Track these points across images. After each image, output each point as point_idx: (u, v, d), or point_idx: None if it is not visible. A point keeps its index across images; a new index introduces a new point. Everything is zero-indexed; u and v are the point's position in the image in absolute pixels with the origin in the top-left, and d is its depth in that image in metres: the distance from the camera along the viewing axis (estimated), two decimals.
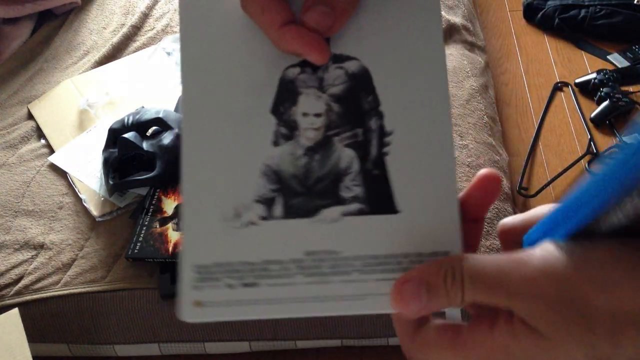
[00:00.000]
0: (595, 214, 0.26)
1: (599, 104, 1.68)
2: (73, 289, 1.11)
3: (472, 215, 0.32)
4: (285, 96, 0.32)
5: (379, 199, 0.31)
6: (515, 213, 1.31)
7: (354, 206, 0.31)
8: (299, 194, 0.31)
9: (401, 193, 0.31)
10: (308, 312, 0.30)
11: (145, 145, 1.16)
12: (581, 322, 0.26)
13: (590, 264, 0.26)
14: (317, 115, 0.32)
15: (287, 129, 0.32)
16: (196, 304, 0.31)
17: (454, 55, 1.50)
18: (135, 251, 1.08)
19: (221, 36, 0.32)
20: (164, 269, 1.08)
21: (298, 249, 0.31)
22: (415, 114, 0.32)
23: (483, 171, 0.31)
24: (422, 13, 0.33)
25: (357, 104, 0.32)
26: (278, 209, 0.31)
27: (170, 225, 1.11)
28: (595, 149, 1.59)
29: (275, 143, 0.31)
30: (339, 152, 0.32)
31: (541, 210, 0.31)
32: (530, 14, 2.00)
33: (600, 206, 0.26)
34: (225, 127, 0.31)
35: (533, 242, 0.29)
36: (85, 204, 1.22)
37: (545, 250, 0.27)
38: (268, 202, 0.31)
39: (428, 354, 0.30)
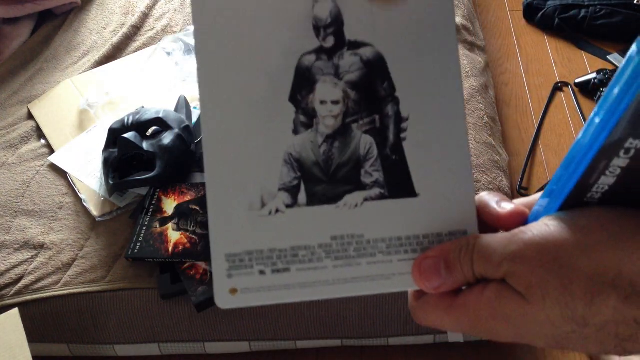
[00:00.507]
0: (583, 177, 0.28)
1: None
2: (73, 289, 1.11)
3: (492, 229, 0.34)
4: (303, 84, 0.32)
5: (398, 183, 0.33)
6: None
7: (375, 191, 0.32)
8: (322, 181, 0.32)
9: (419, 177, 0.33)
10: (338, 293, 0.32)
11: (145, 145, 1.16)
12: (559, 284, 0.27)
13: (576, 230, 0.28)
14: (335, 102, 0.33)
15: (306, 117, 0.32)
16: (231, 291, 0.32)
17: None
18: (135, 251, 1.08)
19: (235, 26, 0.32)
20: (164, 269, 1.08)
21: (324, 234, 0.32)
22: (430, 99, 0.33)
23: (516, 208, 0.32)
24: (434, 1, 0.33)
25: (374, 91, 0.33)
26: (302, 197, 0.32)
27: (170, 225, 1.11)
28: None
29: (295, 131, 0.32)
30: (358, 139, 0.33)
31: (539, 194, 0.33)
32: (530, 14, 2.00)
33: (587, 167, 0.27)
34: (246, 117, 0.32)
35: (535, 220, 0.31)
36: (85, 204, 1.22)
37: (540, 222, 0.30)
38: (292, 190, 0.32)
39: (427, 313, 0.32)
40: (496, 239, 0.30)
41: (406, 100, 0.33)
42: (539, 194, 0.33)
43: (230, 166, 0.32)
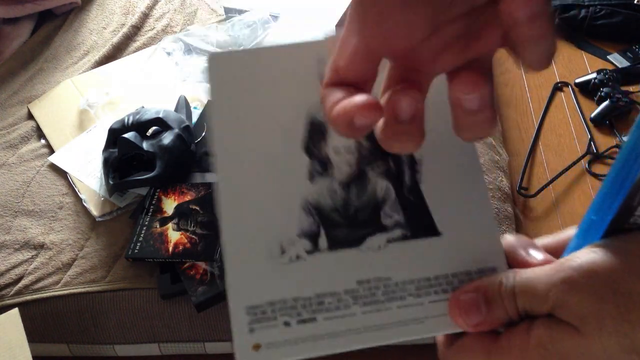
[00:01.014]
0: (626, 202, 0.27)
1: (599, 104, 1.68)
2: (73, 289, 1.11)
3: None
4: (316, 135, 0.33)
5: (419, 223, 0.32)
6: (515, 213, 1.31)
7: (397, 232, 0.32)
8: (341, 225, 0.32)
9: (440, 216, 0.32)
10: (370, 341, 0.30)
11: (145, 145, 1.16)
12: (615, 312, 0.25)
13: (627, 254, 0.26)
14: (349, 152, 0.33)
15: (321, 166, 0.33)
16: (255, 347, 0.30)
17: None
18: (135, 251, 1.08)
19: (248, 82, 0.33)
20: (164, 269, 1.08)
21: (349, 279, 0.31)
22: (440, 140, 0.33)
23: (548, 259, 0.30)
24: None
25: None
26: (323, 242, 0.31)
27: (170, 225, 1.11)
28: (595, 149, 1.59)
29: (312, 179, 0.32)
30: (374, 183, 0.33)
31: (570, 230, 0.31)
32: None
33: (628, 191, 0.26)
34: (261, 169, 0.32)
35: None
36: (85, 204, 1.22)
37: (586, 250, 0.28)
38: (312, 236, 0.31)
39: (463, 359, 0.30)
40: (538, 270, 0.28)
41: None
42: (567, 231, 0.31)
43: (247, 216, 0.31)
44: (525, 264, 0.30)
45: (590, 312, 0.26)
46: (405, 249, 0.32)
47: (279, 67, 0.34)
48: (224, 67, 0.34)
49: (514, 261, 0.31)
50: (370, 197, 0.32)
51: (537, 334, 0.27)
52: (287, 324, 0.30)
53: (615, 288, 0.26)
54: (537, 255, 0.30)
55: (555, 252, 0.31)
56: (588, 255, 0.27)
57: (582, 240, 0.29)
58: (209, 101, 0.34)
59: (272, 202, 0.32)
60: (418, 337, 0.30)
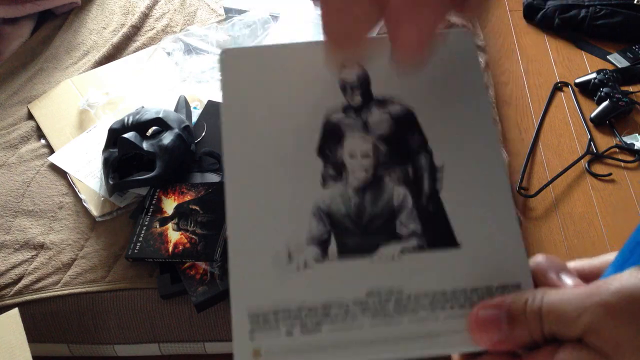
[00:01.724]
0: None
1: (599, 104, 1.68)
2: (73, 289, 1.11)
3: None
4: (331, 139, 0.32)
5: (437, 233, 0.30)
6: (515, 213, 1.30)
7: (412, 242, 0.30)
8: (353, 233, 0.31)
9: (460, 226, 0.31)
10: (376, 354, 0.29)
11: (145, 145, 1.16)
12: None
13: None
14: (365, 156, 0.32)
15: (335, 171, 0.32)
16: (254, 353, 0.28)
17: None
18: (135, 251, 1.08)
19: (262, 82, 0.32)
20: (164, 269, 1.08)
21: (359, 289, 0.29)
22: (464, 147, 0.32)
23: (580, 284, 0.29)
24: (459, 50, 0.33)
25: (404, 143, 0.32)
26: (333, 250, 0.30)
27: (170, 225, 1.11)
28: (595, 149, 1.59)
29: (324, 184, 0.31)
30: (391, 190, 0.31)
31: (608, 255, 0.30)
32: (530, 14, 2.00)
33: None
34: (271, 169, 0.31)
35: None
36: (85, 204, 1.22)
37: (626, 273, 0.26)
38: (322, 243, 0.30)
39: None
40: (569, 292, 0.26)
41: (439, 151, 0.32)
42: (604, 256, 0.30)
43: (254, 219, 0.30)
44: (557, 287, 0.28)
45: (626, 340, 0.24)
46: (421, 260, 0.30)
47: (295, 65, 0.33)
48: (237, 63, 0.33)
49: (543, 284, 0.29)
50: (385, 204, 0.31)
51: (563, 359, 0.25)
52: (289, 333, 0.29)
53: None
54: (569, 280, 0.28)
55: (589, 278, 0.29)
56: (630, 279, 0.25)
57: (622, 265, 0.27)
58: (221, 98, 0.32)
59: (282, 205, 0.30)
60: (429, 354, 0.29)
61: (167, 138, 1.17)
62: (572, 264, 0.30)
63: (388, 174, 0.32)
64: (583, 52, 1.87)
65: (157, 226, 1.11)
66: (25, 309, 1.07)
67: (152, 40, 1.57)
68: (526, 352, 0.27)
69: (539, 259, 0.30)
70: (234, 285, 0.29)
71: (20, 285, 1.12)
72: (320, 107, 0.32)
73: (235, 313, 0.29)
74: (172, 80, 1.43)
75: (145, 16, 1.65)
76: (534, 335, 0.26)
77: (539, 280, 0.29)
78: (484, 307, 0.28)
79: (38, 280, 1.13)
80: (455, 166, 0.32)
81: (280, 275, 0.29)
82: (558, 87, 1.78)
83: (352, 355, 0.28)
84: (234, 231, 0.30)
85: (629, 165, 1.56)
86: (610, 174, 1.54)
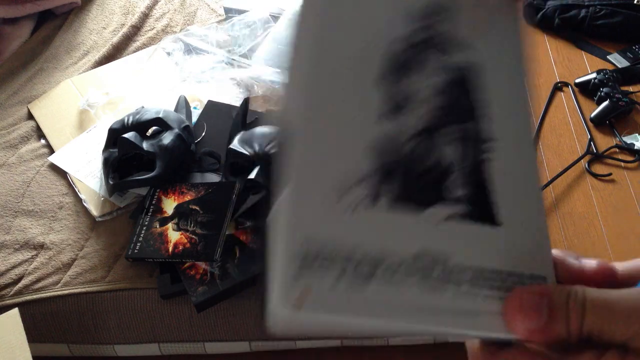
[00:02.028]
0: None
1: (599, 104, 1.68)
2: (73, 289, 1.11)
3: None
4: (393, 71, 0.29)
5: (482, 207, 0.29)
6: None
7: (459, 208, 0.28)
8: (404, 183, 0.28)
9: (502, 205, 0.29)
10: (423, 325, 0.26)
11: (145, 145, 1.16)
12: None
13: None
14: (426, 101, 0.29)
15: (395, 107, 0.29)
16: (305, 292, 0.24)
17: None
18: (135, 251, 1.08)
19: (333, 9, 0.30)
20: (164, 269, 1.08)
21: (410, 246, 0.27)
22: (517, 128, 0.31)
23: (603, 263, 0.28)
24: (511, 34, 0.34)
25: (463, 99, 0.30)
26: (383, 198, 0.27)
27: (170, 225, 1.11)
28: (595, 149, 1.59)
29: (381, 120, 0.28)
30: (441, 149, 0.29)
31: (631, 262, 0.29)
32: (530, 14, 2.00)
33: None
34: (334, 95, 0.28)
35: None
36: (85, 204, 1.22)
37: None
38: (373, 189, 0.27)
39: None
40: (614, 292, 0.25)
41: (494, 120, 0.30)
42: (631, 262, 0.29)
43: (311, 153, 0.27)
44: (578, 272, 0.27)
45: None
46: (465, 230, 0.28)
47: None
48: None
49: (565, 270, 0.28)
50: (436, 163, 0.29)
51: None
52: (340, 277, 0.25)
53: None
54: (589, 261, 0.27)
55: (625, 277, 0.28)
56: None
57: None
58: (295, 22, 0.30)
59: (338, 137, 0.27)
60: (468, 333, 0.27)
61: (167, 138, 1.17)
62: (609, 264, 0.29)
63: (444, 129, 0.29)
64: (583, 52, 1.87)
65: (157, 226, 1.11)
66: (25, 309, 1.07)
67: (152, 40, 1.57)
68: (559, 355, 0.26)
69: (555, 250, 0.29)
70: (288, 217, 0.26)
71: (20, 285, 1.12)
72: (385, 36, 0.30)
73: (282, 247, 0.25)
74: (172, 80, 1.43)
75: (145, 16, 1.65)
76: (572, 330, 0.25)
77: (560, 267, 0.28)
78: (528, 292, 0.26)
79: (38, 280, 1.13)
80: (507, 143, 0.30)
81: (331, 213, 0.26)
82: (558, 87, 1.78)
83: (398, 320, 0.25)
84: (292, 162, 0.27)
85: (629, 165, 1.56)
86: (610, 174, 1.54)
